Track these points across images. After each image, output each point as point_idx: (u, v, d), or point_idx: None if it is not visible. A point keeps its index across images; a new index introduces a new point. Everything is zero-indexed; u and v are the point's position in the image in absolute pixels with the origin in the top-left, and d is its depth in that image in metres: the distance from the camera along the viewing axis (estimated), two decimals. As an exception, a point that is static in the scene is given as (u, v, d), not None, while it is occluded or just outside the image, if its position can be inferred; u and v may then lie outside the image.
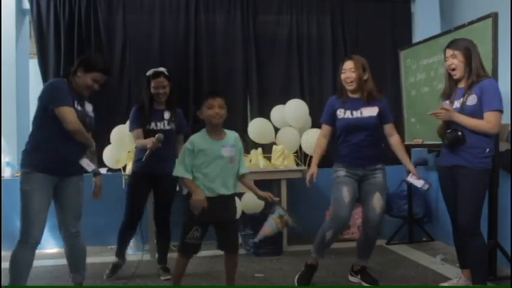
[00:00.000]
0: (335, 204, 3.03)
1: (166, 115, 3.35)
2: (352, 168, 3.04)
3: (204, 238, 2.63)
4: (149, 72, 3.36)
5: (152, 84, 3.31)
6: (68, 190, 2.67)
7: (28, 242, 2.55)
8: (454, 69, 2.78)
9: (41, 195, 2.54)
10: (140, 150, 3.35)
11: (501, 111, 2.68)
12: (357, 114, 3.02)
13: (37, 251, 4.09)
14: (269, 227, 2.72)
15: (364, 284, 3.14)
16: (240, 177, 2.70)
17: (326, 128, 3.15)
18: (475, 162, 2.71)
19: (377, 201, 3.02)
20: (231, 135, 2.67)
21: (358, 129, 3.01)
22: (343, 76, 3.05)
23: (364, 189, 3.08)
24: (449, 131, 2.79)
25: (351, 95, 3.06)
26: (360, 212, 4.25)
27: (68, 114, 2.50)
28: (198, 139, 2.58)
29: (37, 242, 2.59)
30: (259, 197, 2.71)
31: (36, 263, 3.62)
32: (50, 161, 2.55)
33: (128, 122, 3.58)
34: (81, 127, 2.56)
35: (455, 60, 2.76)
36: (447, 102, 2.87)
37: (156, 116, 3.33)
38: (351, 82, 3.01)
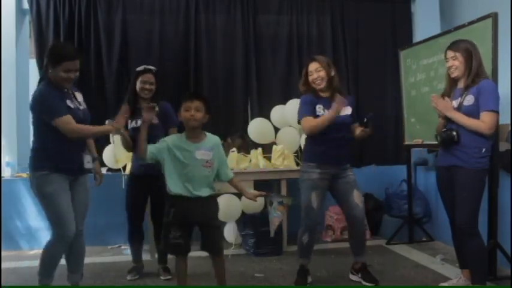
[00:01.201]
0: (305, 209, 3.08)
1: None
2: (324, 166, 3.03)
3: (189, 237, 2.60)
4: (139, 68, 3.37)
5: (140, 79, 3.31)
6: (77, 188, 2.70)
7: (63, 240, 2.61)
8: (453, 70, 2.80)
9: (65, 194, 2.59)
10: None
11: (497, 112, 2.68)
12: None
13: (37, 251, 4.13)
14: (275, 217, 2.74)
15: (364, 283, 3.14)
16: (230, 181, 2.71)
17: (311, 118, 3.02)
18: (472, 162, 2.71)
19: (357, 197, 3.07)
20: (211, 139, 2.65)
21: (335, 128, 3.00)
22: (310, 78, 3.07)
23: (340, 189, 3.11)
24: (444, 130, 2.80)
25: (322, 94, 3.09)
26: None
27: (67, 125, 2.51)
28: (174, 137, 2.64)
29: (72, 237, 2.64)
30: (248, 197, 2.71)
31: (36, 263, 3.63)
32: (62, 161, 2.57)
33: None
34: (80, 131, 2.58)
35: (456, 62, 2.77)
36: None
37: (138, 113, 3.31)
38: (320, 81, 3.04)
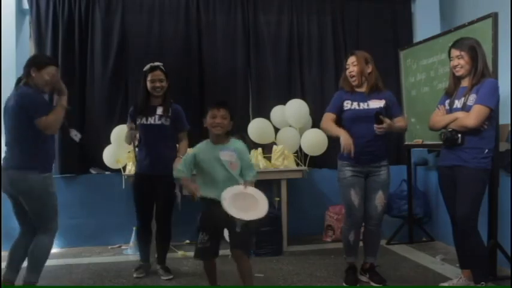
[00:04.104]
0: (346, 208, 3.10)
1: (159, 110, 3.33)
2: (357, 165, 3.02)
3: (217, 240, 2.66)
4: (146, 67, 3.38)
5: (149, 78, 3.31)
6: None
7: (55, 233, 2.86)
8: (459, 69, 2.79)
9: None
10: (140, 150, 3.36)
11: (487, 107, 2.66)
12: (363, 105, 3.02)
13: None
14: None
15: (372, 283, 3.13)
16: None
17: (331, 115, 3.09)
18: (474, 162, 2.72)
19: (379, 199, 3.05)
20: (235, 142, 2.72)
21: (364, 121, 2.97)
22: (347, 72, 3.09)
23: (367, 187, 3.08)
24: (450, 129, 2.80)
25: (356, 89, 3.08)
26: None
27: (52, 122, 2.68)
28: (200, 144, 2.74)
29: None
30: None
31: (36, 263, 3.62)
32: (51, 161, 2.82)
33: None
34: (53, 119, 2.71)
35: (462, 61, 2.76)
36: (447, 101, 2.89)
37: (149, 111, 3.32)
38: (353, 77, 3.04)
